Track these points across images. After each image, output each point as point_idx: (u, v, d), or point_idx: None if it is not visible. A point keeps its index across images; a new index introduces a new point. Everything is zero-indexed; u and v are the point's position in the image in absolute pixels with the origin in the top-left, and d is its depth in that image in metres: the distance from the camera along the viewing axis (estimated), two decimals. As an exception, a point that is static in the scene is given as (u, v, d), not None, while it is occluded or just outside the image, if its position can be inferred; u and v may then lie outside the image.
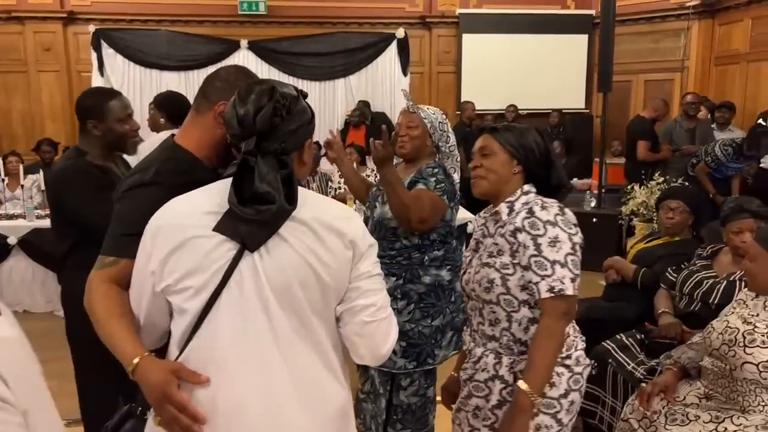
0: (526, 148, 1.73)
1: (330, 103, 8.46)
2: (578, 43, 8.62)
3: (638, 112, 6.91)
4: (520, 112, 7.90)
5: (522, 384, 1.56)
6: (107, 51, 7.99)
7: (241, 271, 1.17)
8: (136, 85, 8.02)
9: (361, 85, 8.46)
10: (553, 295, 1.55)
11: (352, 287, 1.25)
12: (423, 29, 8.66)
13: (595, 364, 2.43)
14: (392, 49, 8.45)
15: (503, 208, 1.72)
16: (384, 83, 8.48)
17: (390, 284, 2.33)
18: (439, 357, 2.36)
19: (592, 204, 6.26)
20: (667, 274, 2.78)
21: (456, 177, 2.48)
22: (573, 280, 1.57)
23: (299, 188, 1.23)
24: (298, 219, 1.20)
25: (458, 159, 2.47)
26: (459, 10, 8.46)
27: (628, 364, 2.45)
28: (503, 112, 7.94)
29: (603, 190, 6.31)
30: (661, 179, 5.27)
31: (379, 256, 2.36)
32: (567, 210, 1.65)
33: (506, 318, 1.67)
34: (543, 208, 1.61)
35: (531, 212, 1.61)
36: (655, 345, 2.48)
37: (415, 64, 8.63)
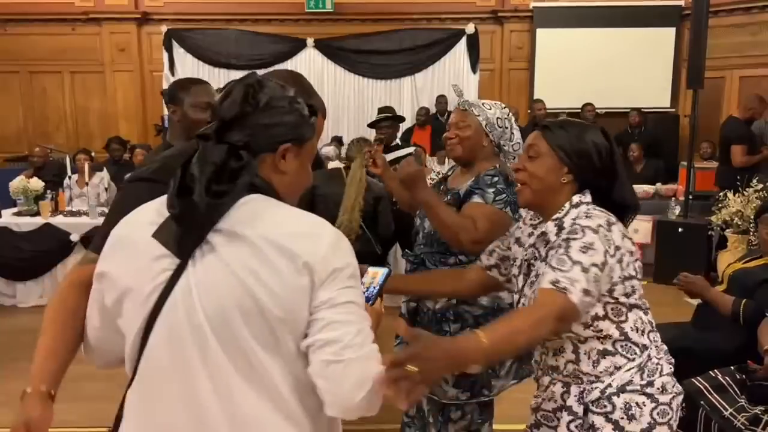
0: (580, 153, 1.45)
1: (395, 102, 8.23)
2: (664, 37, 7.98)
3: (731, 112, 6.28)
4: (597, 111, 7.39)
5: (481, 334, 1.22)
6: (178, 51, 8.11)
7: (176, 293, 1.00)
8: (205, 84, 8.07)
9: (427, 83, 8.19)
10: (554, 288, 1.31)
11: (314, 319, 1.00)
12: (494, 24, 8.29)
13: (683, 405, 2.07)
14: (461, 45, 8.14)
15: (551, 228, 1.46)
16: (452, 81, 8.15)
17: (441, 303, 2.07)
18: (496, 388, 2.08)
19: (677, 212, 5.72)
20: (774, 302, 2.36)
21: None
22: (585, 293, 1.32)
23: (270, 202, 1.05)
24: (239, 233, 0.99)
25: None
26: (533, 4, 8.04)
27: (726, 410, 2.08)
28: (578, 111, 7.44)
29: (690, 197, 5.76)
30: (760, 186, 4.69)
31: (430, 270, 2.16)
32: (618, 228, 1.43)
33: (572, 350, 1.47)
34: (588, 216, 1.41)
35: (574, 219, 1.43)
36: (760, 389, 2.08)
37: (486, 60, 8.27)
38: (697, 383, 2.19)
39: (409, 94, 8.23)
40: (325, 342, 0.98)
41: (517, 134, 2.13)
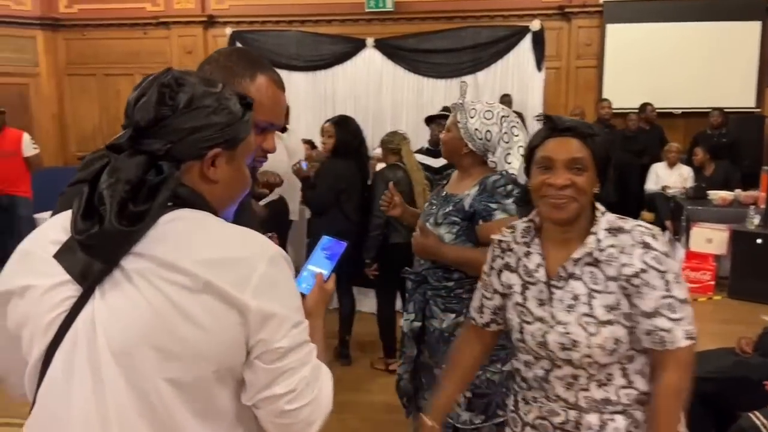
0: (608, 161, 1.36)
1: (455, 101, 8.04)
2: (748, 31, 7.38)
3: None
4: (673, 111, 6.93)
5: None
6: (242, 53, 8.24)
7: (77, 325, 0.85)
8: (267, 85, 8.17)
9: (488, 82, 7.93)
10: (690, 342, 1.31)
11: (259, 368, 0.88)
12: (561, 20, 7.95)
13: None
14: (526, 42, 7.82)
15: (592, 242, 1.33)
16: (515, 80, 7.88)
17: (448, 322, 1.94)
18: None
19: (756, 221, 5.25)
20: None
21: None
22: None
23: (196, 219, 0.90)
24: (159, 258, 0.85)
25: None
26: (603, -2, 7.64)
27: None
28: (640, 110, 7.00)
29: (772, 205, 5.28)
30: None
31: (433, 288, 1.98)
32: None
33: (622, 374, 1.35)
34: (654, 237, 1.33)
35: (646, 245, 1.30)
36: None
37: (551, 58, 7.93)
38: (755, 419, 1.94)
39: (470, 94, 7.98)
40: (281, 395, 0.89)
41: (500, 150, 1.93)
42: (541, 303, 1.39)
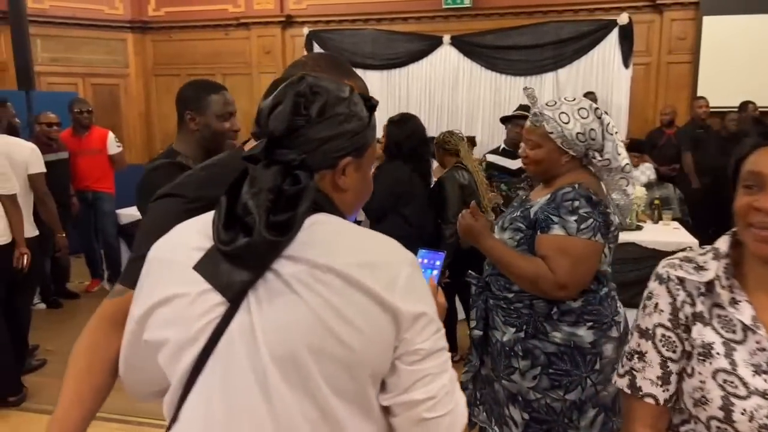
0: None
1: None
2: None
3: None
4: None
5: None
6: (318, 52, 8.29)
7: (232, 332, 0.85)
8: (342, 84, 8.17)
9: (571, 79, 7.56)
10: None
11: (402, 370, 0.87)
12: (652, 13, 7.44)
13: None
14: (612, 37, 7.39)
15: None
16: (599, 77, 7.46)
17: (509, 336, 1.79)
18: None
19: None
20: None
21: (622, 197, 1.81)
22: None
23: (337, 223, 0.92)
24: (311, 261, 0.85)
25: (629, 170, 1.81)
26: (700, -12, 7.09)
27: None
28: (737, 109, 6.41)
29: None
30: None
31: (495, 297, 1.81)
32: None
33: None
34: None
35: None
36: None
37: (640, 54, 7.45)
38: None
39: (551, 92, 7.65)
40: (420, 401, 0.88)
41: (609, 145, 1.77)
42: (761, 370, 1.03)
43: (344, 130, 0.90)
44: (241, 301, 0.84)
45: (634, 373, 1.15)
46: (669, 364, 1.12)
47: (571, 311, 1.72)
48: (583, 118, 1.73)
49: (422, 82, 7.99)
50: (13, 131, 3.69)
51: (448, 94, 7.94)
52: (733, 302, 1.07)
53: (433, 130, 8.00)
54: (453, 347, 3.83)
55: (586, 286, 1.73)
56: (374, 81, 8.10)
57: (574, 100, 1.76)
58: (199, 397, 0.86)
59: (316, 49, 8.26)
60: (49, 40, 8.58)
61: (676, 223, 4.62)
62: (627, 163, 1.79)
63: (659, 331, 1.13)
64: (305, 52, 8.31)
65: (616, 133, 1.77)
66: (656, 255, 4.04)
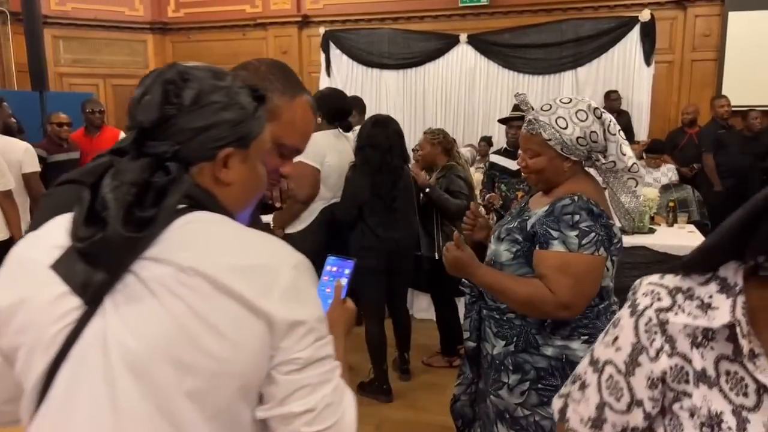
0: None
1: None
2: None
3: None
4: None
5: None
6: (334, 52, 8.26)
7: (86, 338, 0.77)
8: (358, 84, 8.13)
9: (591, 77, 7.39)
10: None
11: (278, 381, 0.80)
12: (675, 9, 7.22)
13: None
14: (634, 34, 7.20)
15: None
16: (620, 75, 7.27)
17: (499, 348, 1.70)
18: None
19: None
20: None
21: (631, 198, 1.70)
22: None
23: (213, 221, 0.83)
24: (176, 263, 0.77)
25: (637, 169, 1.68)
26: (726, -17, 6.85)
27: None
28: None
29: None
30: None
31: (488, 307, 1.70)
32: None
33: None
34: None
35: None
36: None
37: (662, 51, 7.24)
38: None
39: (570, 90, 7.48)
40: (297, 414, 0.81)
41: (613, 146, 1.64)
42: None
43: (222, 119, 0.84)
44: (99, 304, 0.78)
45: (568, 401, 0.97)
46: (606, 411, 0.90)
47: (566, 324, 1.62)
48: (581, 120, 1.60)
49: (438, 82, 7.90)
50: (8, 131, 3.72)
51: (465, 93, 7.84)
52: (753, 356, 0.79)
53: (449, 129, 7.84)
54: (453, 351, 3.75)
55: (590, 302, 1.63)
56: (390, 80, 8.05)
57: (570, 101, 1.63)
58: (47, 409, 0.80)
59: (332, 48, 8.24)
60: (71, 41, 8.73)
61: (691, 227, 4.44)
62: (634, 163, 1.66)
63: (608, 369, 0.90)
64: (321, 52, 8.29)
65: (619, 131, 1.65)
66: (667, 260, 3.88)
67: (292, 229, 3.14)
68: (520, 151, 1.74)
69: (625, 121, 6.89)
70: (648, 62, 7.17)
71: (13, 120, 4.08)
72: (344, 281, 1.10)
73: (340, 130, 3.33)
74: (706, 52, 7.14)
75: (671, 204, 4.50)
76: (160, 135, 0.81)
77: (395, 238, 3.18)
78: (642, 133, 7.01)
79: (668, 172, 5.65)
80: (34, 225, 0.94)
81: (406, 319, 3.48)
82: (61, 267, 0.79)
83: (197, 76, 0.84)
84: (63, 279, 0.78)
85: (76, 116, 5.10)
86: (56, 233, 0.82)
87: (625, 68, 7.24)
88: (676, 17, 7.24)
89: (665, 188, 5.13)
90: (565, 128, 1.59)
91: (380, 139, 3.12)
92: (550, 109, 1.62)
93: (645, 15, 7.13)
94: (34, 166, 3.56)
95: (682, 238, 4.10)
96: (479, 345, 1.80)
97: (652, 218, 4.31)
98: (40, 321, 0.79)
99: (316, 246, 3.08)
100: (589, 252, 1.54)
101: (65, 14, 8.56)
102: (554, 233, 1.57)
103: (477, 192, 4.32)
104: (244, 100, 0.87)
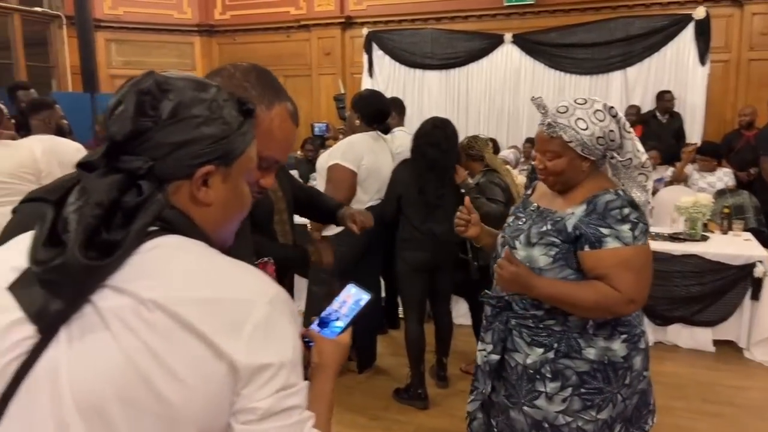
0: None
1: (604, 99, 7.32)
2: None
3: None
4: None
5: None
6: (377, 53, 8.24)
7: (38, 372, 0.71)
8: (400, 85, 8.10)
9: (641, 77, 7.14)
10: None
11: (237, 430, 0.73)
12: (732, 6, 6.92)
13: None
14: (687, 33, 6.93)
15: None
16: (673, 75, 7.00)
17: (534, 357, 1.67)
18: None
19: None
20: None
21: (641, 193, 1.73)
22: None
23: (183, 247, 0.76)
24: (134, 294, 0.70)
25: (648, 165, 1.72)
26: (787, -22, 6.52)
27: None
28: None
29: None
30: None
31: (518, 316, 1.66)
32: None
33: None
34: None
35: None
36: None
37: (718, 50, 6.94)
38: None
39: (619, 91, 7.26)
40: None
41: (629, 144, 1.66)
42: None
43: (202, 135, 0.77)
44: (53, 334, 0.72)
45: None
46: None
47: (606, 324, 1.63)
48: (600, 121, 1.60)
49: (482, 82, 7.79)
50: (60, 132, 3.82)
51: (509, 94, 7.70)
52: None
53: (493, 130, 7.80)
54: None
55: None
56: (432, 81, 7.98)
57: (586, 102, 1.63)
58: None
59: (375, 49, 8.22)
60: (122, 44, 8.99)
61: (748, 234, 4.22)
62: (647, 158, 1.70)
63: None
64: (364, 53, 8.28)
65: (630, 130, 1.69)
66: (721, 269, 3.71)
67: (328, 233, 3.12)
68: (535, 153, 1.74)
69: (677, 123, 6.64)
70: (702, 62, 6.89)
71: (65, 121, 4.20)
72: (350, 314, 1.05)
73: (379, 133, 3.29)
74: (764, 51, 6.81)
75: (726, 210, 4.30)
76: (134, 150, 0.75)
77: (435, 232, 3.13)
78: (695, 136, 6.73)
79: (724, 177, 5.39)
80: None
81: (447, 321, 3.40)
82: (17, 290, 0.73)
83: (177, 87, 0.77)
84: (20, 304, 0.72)
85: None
86: (15, 254, 0.76)
87: (678, 68, 6.98)
88: (732, 15, 6.93)
89: (720, 193, 4.90)
90: (585, 129, 1.59)
91: (440, 138, 3.09)
92: (567, 111, 1.61)
93: (700, 12, 6.85)
94: (84, 167, 3.66)
95: (738, 246, 3.90)
96: (503, 356, 1.74)
97: (705, 225, 4.12)
98: None
99: (353, 248, 3.06)
100: (642, 242, 1.57)
101: (118, 18, 8.82)
102: (605, 230, 1.57)
103: (520, 193, 4.24)
104: (228, 114, 0.80)
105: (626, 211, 1.57)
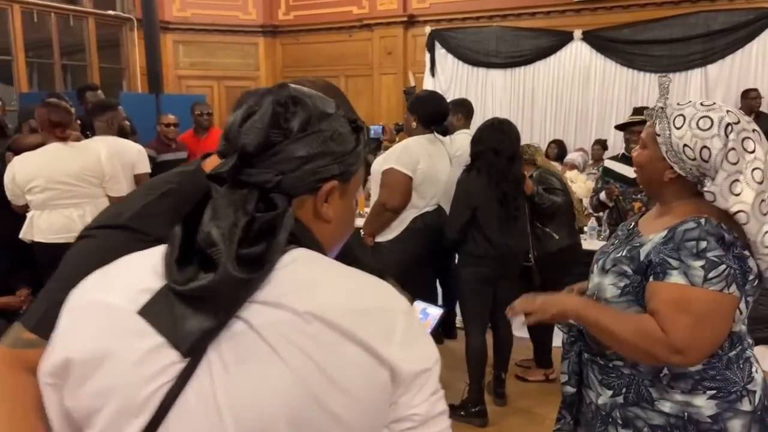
0: None
1: (679, 99, 6.87)
2: None
3: None
4: None
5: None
6: (440, 51, 8.06)
7: (188, 399, 0.67)
8: (463, 84, 7.89)
9: (723, 75, 6.65)
10: None
11: None
12: (829, -3, 6.34)
13: None
14: (775, 28, 6.40)
15: None
16: (759, 73, 6.49)
17: (604, 399, 1.45)
18: None
19: None
20: None
21: (753, 225, 1.31)
22: None
23: (319, 261, 0.76)
24: (288, 307, 0.68)
25: (740, 219, 1.29)
26: None
27: None
28: None
29: None
30: None
31: (588, 351, 1.46)
32: None
33: None
34: None
35: None
36: None
37: (812, 46, 6.38)
38: None
39: (698, 90, 6.79)
40: None
41: (721, 175, 1.29)
42: None
43: (329, 150, 0.76)
44: (201, 356, 0.67)
45: None
46: None
47: (687, 375, 1.35)
48: (701, 129, 1.31)
49: (549, 81, 7.47)
50: (123, 133, 3.88)
51: (578, 92, 7.35)
52: None
53: (560, 132, 7.50)
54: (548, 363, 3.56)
55: (713, 350, 1.34)
56: (497, 80, 7.74)
57: (710, 106, 1.35)
58: None
59: (438, 48, 8.04)
60: (189, 45, 9.19)
61: None
62: (740, 211, 1.27)
63: None
64: (426, 52, 8.12)
65: (754, 167, 1.29)
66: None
67: (381, 238, 2.99)
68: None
69: (764, 124, 6.13)
70: (793, 58, 6.35)
71: (128, 123, 4.30)
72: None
73: (436, 135, 3.14)
74: None
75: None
76: (262, 162, 0.73)
77: (509, 244, 2.98)
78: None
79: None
80: (74, 270, 0.82)
81: (508, 332, 3.20)
82: (151, 313, 0.68)
83: (308, 101, 0.76)
84: (154, 327, 0.68)
85: (188, 117, 5.31)
86: (137, 275, 0.72)
87: (764, 65, 6.46)
88: (828, 7, 6.35)
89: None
90: (679, 128, 1.32)
91: (505, 144, 2.92)
92: (682, 105, 1.36)
93: (791, 5, 6.32)
94: (146, 168, 3.71)
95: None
96: (580, 390, 1.55)
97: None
98: (130, 381, 0.67)
99: (405, 256, 2.92)
100: (717, 288, 1.25)
101: (185, 20, 9.02)
102: (673, 262, 1.29)
103: (586, 200, 4.00)
104: (347, 131, 0.79)
105: (704, 244, 1.27)
